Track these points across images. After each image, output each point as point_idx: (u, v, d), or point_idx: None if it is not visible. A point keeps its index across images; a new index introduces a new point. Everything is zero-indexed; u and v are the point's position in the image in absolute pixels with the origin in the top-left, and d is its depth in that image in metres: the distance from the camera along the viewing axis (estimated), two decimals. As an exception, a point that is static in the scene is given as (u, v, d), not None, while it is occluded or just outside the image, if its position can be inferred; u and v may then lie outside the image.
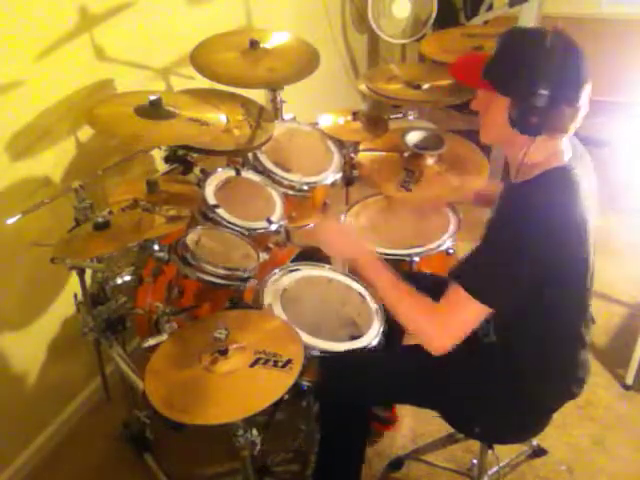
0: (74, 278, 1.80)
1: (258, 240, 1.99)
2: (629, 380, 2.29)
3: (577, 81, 1.29)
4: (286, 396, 1.39)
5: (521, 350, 1.48)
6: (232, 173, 2.13)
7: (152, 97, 1.74)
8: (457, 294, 1.33)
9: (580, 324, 1.50)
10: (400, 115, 2.83)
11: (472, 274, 1.35)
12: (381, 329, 1.68)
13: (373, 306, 1.75)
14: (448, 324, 1.36)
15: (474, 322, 1.35)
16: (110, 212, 1.77)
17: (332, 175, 2.27)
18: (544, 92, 1.26)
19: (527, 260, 1.30)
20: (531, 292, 1.35)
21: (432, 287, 1.69)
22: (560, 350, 1.49)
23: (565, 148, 1.39)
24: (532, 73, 1.27)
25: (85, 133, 2.01)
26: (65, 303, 2.02)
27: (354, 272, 1.62)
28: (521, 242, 1.29)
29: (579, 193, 1.35)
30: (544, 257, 1.30)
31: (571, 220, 1.32)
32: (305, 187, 2.21)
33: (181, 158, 2.08)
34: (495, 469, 1.88)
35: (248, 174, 2.17)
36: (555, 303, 1.38)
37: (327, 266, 1.89)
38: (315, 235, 1.60)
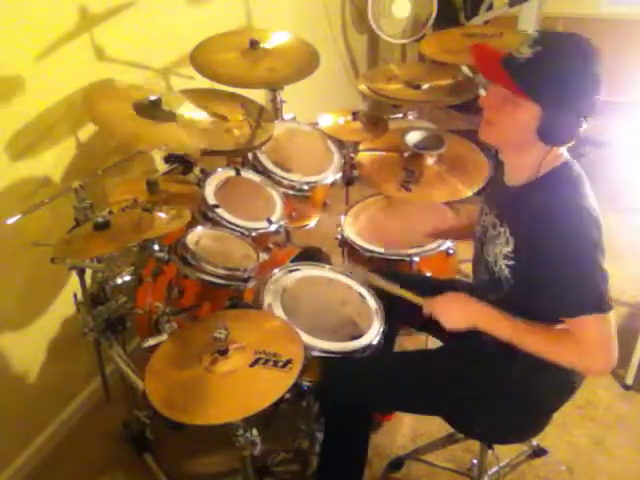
0: (74, 278, 1.80)
1: (258, 240, 1.99)
2: (629, 380, 2.29)
3: (599, 93, 1.29)
4: (287, 396, 1.39)
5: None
6: (232, 173, 2.13)
7: (152, 97, 1.74)
8: (578, 322, 1.31)
9: None
10: (400, 115, 2.83)
11: (572, 298, 1.32)
12: (381, 329, 1.68)
13: (373, 306, 1.75)
14: (593, 350, 1.33)
15: (609, 332, 1.32)
16: (110, 212, 1.77)
17: (332, 175, 2.27)
18: (582, 107, 1.27)
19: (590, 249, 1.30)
20: (536, 290, 1.36)
21: (432, 289, 1.69)
22: None
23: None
24: (577, 89, 1.26)
25: (85, 133, 2.01)
26: (65, 303, 2.02)
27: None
28: (567, 241, 1.30)
29: (587, 186, 1.37)
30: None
31: (585, 212, 1.33)
32: (305, 187, 2.21)
33: (181, 158, 2.08)
34: (495, 469, 1.88)
35: (248, 174, 2.17)
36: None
37: (327, 266, 1.89)
38: (436, 313, 1.49)
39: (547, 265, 1.32)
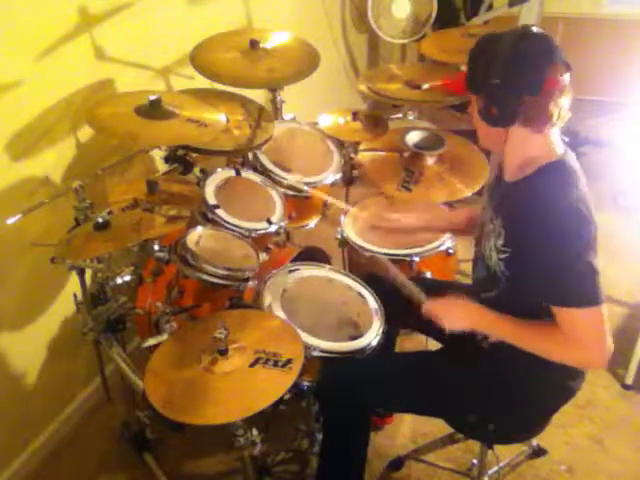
0: (74, 278, 1.80)
1: (258, 240, 1.99)
2: (629, 380, 2.29)
3: (532, 68, 1.31)
4: (286, 396, 1.39)
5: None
6: (232, 173, 2.13)
7: (152, 97, 1.74)
8: (566, 315, 1.33)
9: None
10: (400, 115, 2.83)
11: (560, 291, 1.33)
12: (381, 329, 1.68)
13: (373, 306, 1.75)
14: (585, 343, 1.33)
15: (600, 325, 1.31)
16: (110, 212, 1.77)
17: (332, 175, 2.28)
18: (496, 81, 1.30)
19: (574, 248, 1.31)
20: (529, 282, 1.36)
21: (432, 290, 1.70)
22: None
23: (556, 142, 1.40)
24: (485, 66, 1.32)
25: (85, 133, 2.01)
26: (65, 303, 2.02)
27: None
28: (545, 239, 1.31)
29: (580, 184, 1.37)
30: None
31: (574, 210, 1.32)
32: (305, 187, 2.21)
33: (181, 158, 2.08)
34: (495, 469, 1.88)
35: (248, 174, 2.17)
36: None
37: (327, 266, 1.89)
38: (437, 315, 1.51)
39: (536, 259, 1.34)
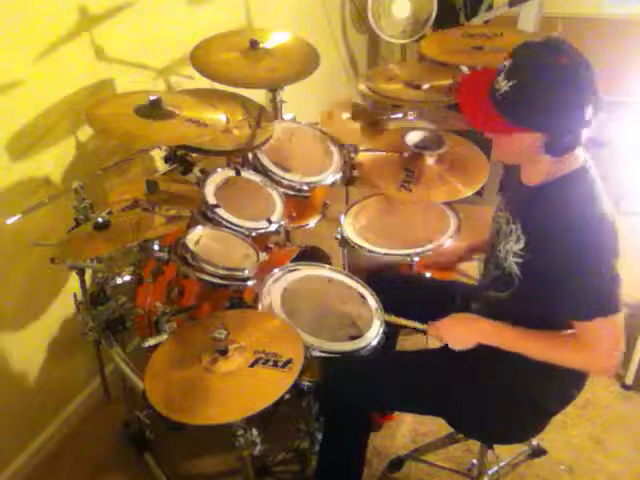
0: (74, 278, 1.80)
1: (258, 240, 1.99)
2: (629, 380, 2.29)
3: (595, 92, 1.28)
4: (286, 396, 1.39)
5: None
6: (232, 173, 2.12)
7: (152, 97, 1.74)
8: (588, 324, 1.32)
9: None
10: (400, 115, 2.83)
11: (585, 305, 1.33)
12: (381, 329, 1.68)
13: (373, 306, 1.75)
14: (601, 350, 1.34)
15: (619, 331, 1.33)
16: (110, 212, 1.77)
17: (332, 175, 2.27)
18: (579, 118, 1.26)
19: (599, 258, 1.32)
20: (547, 289, 1.36)
21: (431, 290, 1.70)
22: None
23: (579, 151, 1.39)
24: (566, 104, 1.26)
25: (85, 133, 2.01)
26: (65, 303, 2.02)
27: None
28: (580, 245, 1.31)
29: (601, 189, 1.37)
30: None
31: (607, 220, 1.35)
32: (305, 187, 2.21)
33: (181, 158, 2.07)
34: (495, 469, 1.88)
35: (248, 174, 2.17)
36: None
37: (327, 266, 1.88)
38: (442, 336, 1.54)
39: (562, 270, 1.32)
